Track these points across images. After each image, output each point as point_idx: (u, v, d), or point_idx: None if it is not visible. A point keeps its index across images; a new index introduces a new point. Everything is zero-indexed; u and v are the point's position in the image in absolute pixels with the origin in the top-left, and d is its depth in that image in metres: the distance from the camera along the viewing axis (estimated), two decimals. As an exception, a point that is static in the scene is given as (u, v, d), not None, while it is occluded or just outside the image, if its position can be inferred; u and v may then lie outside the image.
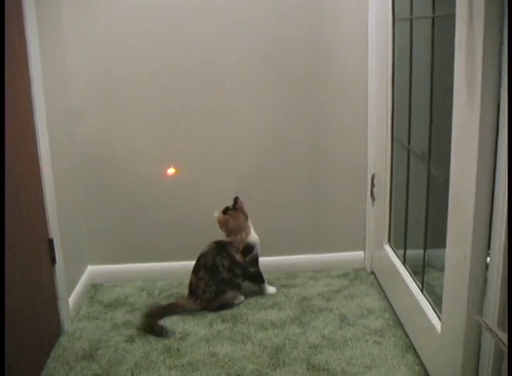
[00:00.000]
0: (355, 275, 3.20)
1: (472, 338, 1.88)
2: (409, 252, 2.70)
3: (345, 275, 3.21)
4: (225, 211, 2.87)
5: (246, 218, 2.88)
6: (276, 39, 2.94)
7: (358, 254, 3.27)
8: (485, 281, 1.81)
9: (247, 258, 2.87)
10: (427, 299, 2.35)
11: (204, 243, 2.89)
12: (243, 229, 2.87)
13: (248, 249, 2.88)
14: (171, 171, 3.05)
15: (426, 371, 2.29)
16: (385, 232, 2.99)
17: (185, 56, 2.93)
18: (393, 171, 2.87)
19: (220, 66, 2.96)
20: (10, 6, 2.27)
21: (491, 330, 1.50)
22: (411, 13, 2.49)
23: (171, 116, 3.03)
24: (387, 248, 2.96)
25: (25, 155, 2.49)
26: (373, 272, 3.20)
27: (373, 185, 3.06)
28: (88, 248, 3.26)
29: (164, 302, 2.93)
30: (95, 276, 3.29)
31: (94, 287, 3.25)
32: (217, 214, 2.89)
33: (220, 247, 2.86)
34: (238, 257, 2.85)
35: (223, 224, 2.88)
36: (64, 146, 2.95)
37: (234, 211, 2.87)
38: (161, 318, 2.77)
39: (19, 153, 2.41)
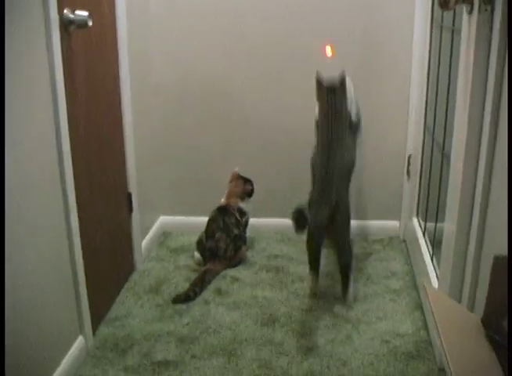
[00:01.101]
0: (389, 241, 3.49)
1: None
2: (429, 225, 2.96)
3: (380, 241, 3.51)
4: (241, 177, 3.33)
5: (243, 194, 3.35)
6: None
7: (394, 223, 3.55)
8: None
9: (243, 220, 3.31)
10: (433, 266, 2.67)
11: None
12: (236, 196, 3.34)
13: (241, 212, 3.30)
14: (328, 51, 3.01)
15: (427, 327, 2.60)
16: (414, 206, 3.31)
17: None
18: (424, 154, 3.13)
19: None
20: None
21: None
22: (453, 24, 2.50)
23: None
24: (415, 220, 3.27)
25: (111, 113, 2.74)
26: (404, 241, 3.47)
27: (409, 164, 3.37)
28: (162, 200, 3.58)
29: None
30: (166, 225, 3.65)
31: (164, 235, 3.61)
32: (237, 170, 3.33)
33: (223, 210, 3.27)
34: (238, 215, 3.27)
35: (233, 179, 3.34)
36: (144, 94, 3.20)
37: (243, 182, 3.35)
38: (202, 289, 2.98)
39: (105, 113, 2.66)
